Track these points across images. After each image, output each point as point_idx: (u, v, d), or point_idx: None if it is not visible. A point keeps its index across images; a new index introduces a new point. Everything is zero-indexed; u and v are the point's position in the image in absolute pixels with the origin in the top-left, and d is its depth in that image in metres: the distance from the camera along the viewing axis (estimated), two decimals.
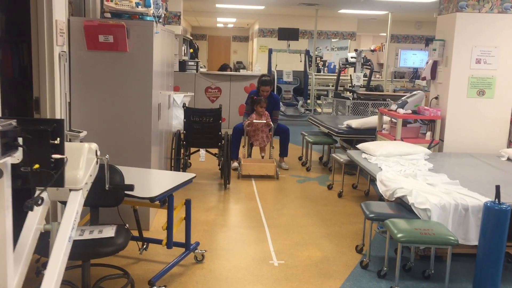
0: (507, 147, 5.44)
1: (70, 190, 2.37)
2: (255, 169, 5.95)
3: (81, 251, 2.55)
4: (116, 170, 2.86)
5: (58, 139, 1.97)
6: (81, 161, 2.41)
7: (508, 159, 4.99)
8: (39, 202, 1.93)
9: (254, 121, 6.12)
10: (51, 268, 2.14)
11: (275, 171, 5.97)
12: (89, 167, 2.48)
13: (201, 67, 9.82)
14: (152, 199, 2.90)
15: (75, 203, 2.34)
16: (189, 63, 9.25)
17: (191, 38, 12.92)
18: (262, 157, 6.37)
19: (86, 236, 2.64)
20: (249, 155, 6.34)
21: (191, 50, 11.59)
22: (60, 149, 1.98)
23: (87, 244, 2.58)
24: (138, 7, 3.90)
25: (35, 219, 2.27)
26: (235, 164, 6.24)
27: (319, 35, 15.41)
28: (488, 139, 5.45)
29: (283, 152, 6.58)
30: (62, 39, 3.65)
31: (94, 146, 2.56)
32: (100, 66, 3.90)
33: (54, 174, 1.98)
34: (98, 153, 2.61)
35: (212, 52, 21.36)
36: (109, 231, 2.67)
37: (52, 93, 3.55)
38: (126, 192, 2.87)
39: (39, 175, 1.94)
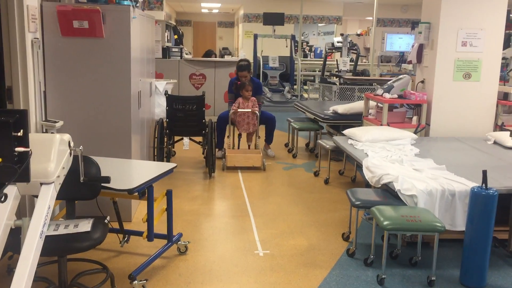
0: (494, 131, 5.41)
1: (41, 183, 2.26)
2: (241, 161, 5.73)
3: (56, 247, 2.44)
4: (92, 162, 2.75)
5: (22, 131, 1.85)
6: (52, 153, 2.29)
7: (495, 142, 4.95)
8: (2, 199, 1.82)
9: (239, 110, 5.92)
10: (21, 266, 2.03)
11: (262, 162, 5.77)
12: (61, 159, 2.36)
13: (186, 54, 9.66)
14: (130, 191, 2.79)
15: (47, 197, 2.23)
16: (173, 50, 9.08)
17: (174, 24, 12.71)
18: (249, 146, 6.22)
19: (61, 231, 2.53)
20: (238, 147, 6.15)
21: (176, 36, 11.41)
22: (24, 141, 1.87)
23: (62, 239, 2.47)
24: None
25: (3, 215, 2.16)
26: (219, 152, 6.12)
27: (305, 19, 15.25)
28: (474, 123, 5.40)
29: (269, 139, 6.47)
30: (35, 25, 3.50)
31: (66, 137, 2.44)
32: (75, 53, 3.75)
33: (18, 169, 1.86)
34: (72, 144, 2.49)
35: (197, 38, 21.09)
36: (85, 225, 2.57)
37: (25, 82, 3.41)
38: (103, 184, 2.75)
39: (1, 170, 1.82)
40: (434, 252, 3.09)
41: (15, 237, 2.28)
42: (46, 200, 2.22)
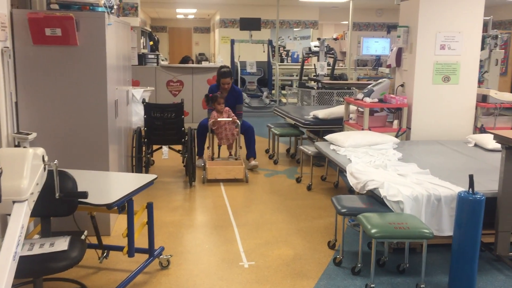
0: (473, 133, 5.43)
1: (14, 202, 2.12)
2: (222, 173, 5.44)
3: (31, 268, 2.30)
4: (68, 176, 2.61)
5: None
6: (25, 169, 2.17)
7: (476, 145, 4.96)
8: None
9: (219, 119, 5.67)
10: None
11: (244, 174, 5.48)
12: (35, 174, 2.23)
13: (162, 60, 9.50)
14: (109, 206, 2.66)
15: (20, 216, 2.10)
16: (149, 56, 8.92)
17: (150, 30, 12.55)
18: (230, 153, 5.98)
19: (36, 250, 2.39)
20: (218, 156, 5.93)
21: (151, 43, 11.26)
22: None
23: (37, 260, 2.33)
24: None
25: None
26: (200, 161, 5.97)
27: (281, 24, 15.25)
28: (454, 126, 5.42)
29: (251, 153, 6.04)
30: (4, 34, 3.34)
31: (40, 151, 2.31)
32: (48, 62, 3.60)
33: None
34: (46, 158, 2.36)
35: (173, 45, 20.91)
36: (61, 244, 2.43)
37: None
38: (80, 199, 2.62)
39: None
40: (423, 258, 3.04)
41: None
42: (19, 219, 2.09)
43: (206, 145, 5.89)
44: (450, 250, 3.20)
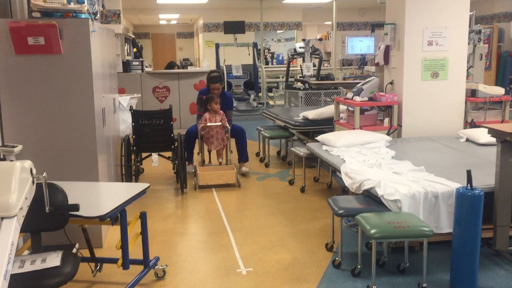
0: (464, 128, 5.42)
1: (2, 218, 2.03)
2: (214, 178, 5.34)
3: (22, 287, 2.20)
4: (58, 189, 2.52)
5: None
6: (13, 183, 2.07)
7: (467, 140, 4.95)
8: None
9: (208, 124, 5.52)
10: None
11: (236, 179, 5.39)
12: (24, 189, 2.14)
13: (146, 67, 9.39)
14: (101, 218, 2.58)
15: (9, 233, 2.00)
16: (134, 63, 8.81)
17: (133, 36, 12.44)
18: (220, 163, 5.72)
19: (27, 267, 2.29)
20: (209, 161, 5.81)
21: (135, 50, 11.14)
22: None
23: (29, 277, 2.24)
24: (70, 4, 3.52)
25: None
26: (190, 167, 5.83)
27: (265, 27, 15.21)
28: (445, 121, 5.40)
29: (242, 156, 5.91)
30: None
31: (28, 164, 2.21)
32: (32, 72, 3.50)
33: None
34: (34, 171, 2.27)
35: (156, 51, 20.77)
36: (53, 260, 2.34)
37: None
38: (71, 212, 2.53)
39: None
40: (423, 257, 2.99)
41: None
42: (9, 236, 1.99)
43: (196, 150, 5.76)
44: (449, 247, 3.16)
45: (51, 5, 3.50)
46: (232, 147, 5.82)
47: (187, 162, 5.74)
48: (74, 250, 3.35)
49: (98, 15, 4.05)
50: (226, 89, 10.97)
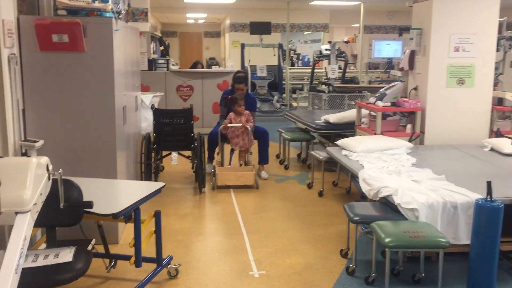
0: (489, 137, 5.30)
1: (16, 213, 2.07)
2: (232, 179, 5.32)
3: (34, 281, 2.24)
4: (73, 185, 2.56)
5: None
6: (28, 179, 2.11)
7: (492, 149, 4.83)
8: None
9: (229, 124, 5.48)
10: None
11: (255, 180, 5.36)
12: (39, 184, 2.18)
13: (172, 65, 9.47)
14: (115, 216, 2.60)
15: (22, 228, 2.04)
16: (159, 61, 8.89)
17: (160, 35, 12.55)
18: (241, 165, 5.68)
19: (40, 262, 2.33)
20: (229, 163, 5.76)
21: (162, 48, 11.24)
22: None
23: (41, 271, 2.28)
24: (94, 3, 3.57)
25: None
26: (209, 166, 5.80)
27: (291, 28, 15.17)
28: (469, 130, 5.29)
29: (263, 159, 5.86)
30: (11, 40, 3.30)
31: (44, 160, 2.25)
32: (55, 69, 3.56)
33: None
34: (50, 167, 2.31)
35: (183, 49, 20.93)
36: (66, 255, 2.37)
37: (2, 100, 3.20)
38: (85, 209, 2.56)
39: None
40: (439, 268, 2.93)
41: None
42: (22, 230, 2.03)
43: (217, 151, 5.73)
44: (467, 259, 3.09)
45: (75, 3, 3.55)
46: (254, 148, 5.78)
47: (207, 161, 5.75)
48: (90, 247, 3.41)
49: (122, 14, 4.09)
50: (250, 90, 11.02)
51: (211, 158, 5.88)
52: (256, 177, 5.45)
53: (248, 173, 5.40)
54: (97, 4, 3.60)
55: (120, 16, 3.93)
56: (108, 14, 3.69)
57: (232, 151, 5.77)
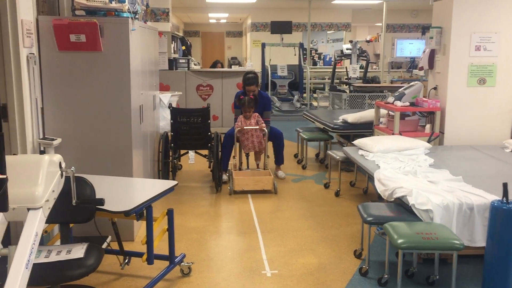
0: (511, 138, 5.18)
1: (28, 209, 2.11)
2: (250, 184, 5.16)
3: (46, 275, 2.29)
4: (86, 183, 2.60)
5: None
6: (40, 176, 2.15)
7: None
8: None
9: (245, 127, 5.38)
10: None
11: (273, 185, 5.21)
12: (51, 181, 2.22)
13: (194, 64, 9.54)
14: (126, 213, 2.64)
15: (34, 224, 2.09)
16: (180, 61, 8.96)
17: (181, 35, 12.65)
18: (257, 165, 5.60)
19: (53, 257, 2.38)
20: (247, 167, 5.64)
21: (183, 47, 11.34)
22: None
23: (53, 267, 2.32)
24: (111, 3, 3.63)
25: None
26: (225, 177, 5.57)
27: (313, 27, 15.11)
28: (490, 130, 5.19)
29: (279, 160, 5.84)
30: (30, 40, 3.38)
31: (57, 157, 2.30)
32: (73, 68, 3.63)
33: None
34: (63, 165, 2.35)
35: (205, 49, 21.05)
36: (78, 251, 2.42)
37: (20, 99, 3.29)
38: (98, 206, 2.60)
39: None
40: (453, 271, 2.88)
41: (3, 267, 2.14)
42: (33, 227, 2.08)
43: (232, 154, 5.56)
44: (483, 262, 3.03)
45: (93, 4, 3.61)
46: (269, 150, 5.69)
47: (223, 172, 5.56)
48: (105, 244, 3.47)
49: (139, 14, 4.14)
50: (270, 89, 11.02)
51: (225, 167, 5.62)
52: (275, 182, 5.27)
53: (266, 178, 5.24)
54: (114, 5, 3.65)
55: (137, 16, 3.97)
56: (125, 14, 3.74)
57: (247, 154, 5.68)
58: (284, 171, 5.91)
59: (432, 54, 5.42)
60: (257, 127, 5.40)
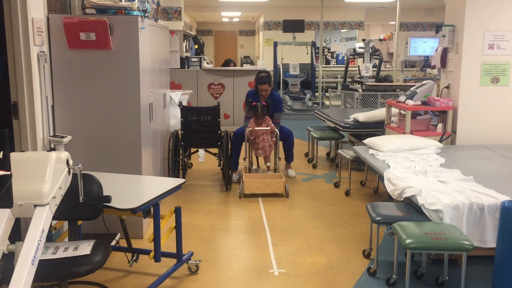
0: None
1: (35, 205, 2.13)
2: (260, 187, 5.01)
3: (53, 272, 2.31)
4: (93, 180, 2.62)
5: (1, 152, 1.72)
6: (47, 173, 2.17)
7: None
8: None
9: (256, 128, 5.29)
10: None
11: (285, 188, 5.07)
12: (58, 178, 2.24)
13: (207, 63, 9.56)
14: (133, 210, 2.65)
15: (40, 220, 2.10)
16: (192, 60, 8.99)
17: (194, 34, 12.68)
18: (268, 167, 5.45)
19: (60, 254, 2.40)
20: (257, 166, 5.57)
21: (196, 46, 11.37)
22: (4, 164, 1.73)
23: (60, 263, 2.34)
24: (121, 2, 3.64)
25: None
26: (235, 175, 5.57)
27: (325, 26, 15.05)
28: (503, 129, 5.11)
29: (288, 158, 5.81)
30: (41, 39, 3.41)
31: (64, 155, 2.31)
32: (83, 66, 3.66)
33: None
34: (71, 162, 2.37)
35: (218, 48, 21.09)
36: (85, 248, 2.43)
37: (31, 96, 3.32)
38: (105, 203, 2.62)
39: None
40: (462, 272, 2.85)
41: (10, 263, 2.16)
42: (40, 223, 2.09)
43: (242, 156, 5.50)
44: (493, 263, 2.99)
45: (103, 2, 3.63)
46: (280, 151, 5.57)
47: (233, 172, 5.55)
48: (114, 242, 3.49)
49: (149, 12, 4.15)
50: (282, 88, 11.00)
51: (235, 167, 5.61)
52: (286, 185, 5.14)
53: (277, 181, 5.08)
54: (123, 3, 3.67)
55: (147, 15, 3.98)
56: (135, 13, 3.76)
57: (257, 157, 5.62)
58: (294, 170, 5.88)
59: (444, 53, 5.36)
60: (268, 127, 5.34)
